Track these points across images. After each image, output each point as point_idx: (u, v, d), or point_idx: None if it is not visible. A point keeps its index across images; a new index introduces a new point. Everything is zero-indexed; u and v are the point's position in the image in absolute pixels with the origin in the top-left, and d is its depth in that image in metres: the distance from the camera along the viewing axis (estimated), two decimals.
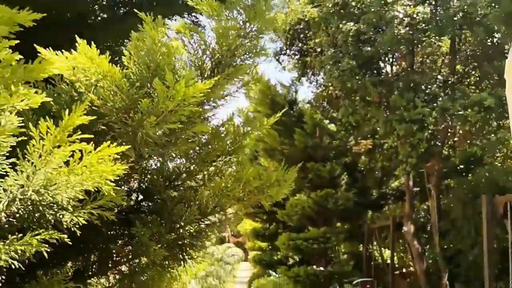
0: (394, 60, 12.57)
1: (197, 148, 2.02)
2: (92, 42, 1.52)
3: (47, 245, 1.26)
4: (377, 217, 16.94)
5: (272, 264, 17.80)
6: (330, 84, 11.72)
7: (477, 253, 10.01)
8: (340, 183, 11.71)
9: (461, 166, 11.73)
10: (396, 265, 16.41)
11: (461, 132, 11.71)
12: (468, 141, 11.98)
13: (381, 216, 16.62)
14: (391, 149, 13.79)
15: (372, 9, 10.17)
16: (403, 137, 10.13)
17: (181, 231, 1.94)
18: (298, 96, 12.63)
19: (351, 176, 12.67)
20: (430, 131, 9.52)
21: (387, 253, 18.68)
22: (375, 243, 18.49)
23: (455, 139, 11.51)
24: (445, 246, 11.55)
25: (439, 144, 11.04)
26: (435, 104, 10.07)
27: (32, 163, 1.30)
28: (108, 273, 2.00)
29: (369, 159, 14.27)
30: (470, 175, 11.34)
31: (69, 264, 1.77)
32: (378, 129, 12.11)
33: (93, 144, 1.33)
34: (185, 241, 1.99)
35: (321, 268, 10.01)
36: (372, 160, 16.10)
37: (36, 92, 1.23)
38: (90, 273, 1.91)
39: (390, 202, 17.49)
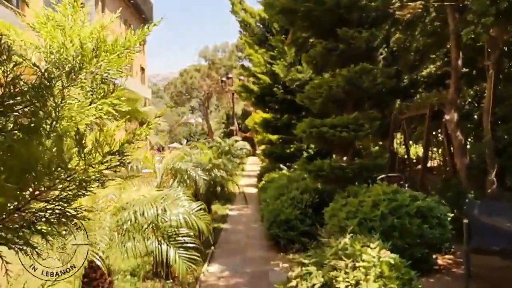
0: None
1: None
2: None
3: None
4: (406, 106, 14.77)
5: (284, 157, 16.26)
6: None
7: None
8: (378, 58, 9.24)
9: None
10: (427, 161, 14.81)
11: None
12: None
13: (411, 105, 14.43)
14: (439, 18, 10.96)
15: None
16: None
17: None
18: None
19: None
20: None
21: (416, 148, 17.00)
22: (399, 136, 16.67)
23: None
24: (497, 136, 9.56)
25: None
26: None
27: None
28: None
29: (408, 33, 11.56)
30: None
31: None
32: None
33: None
34: None
35: (353, 160, 8.08)
36: (410, 35, 13.33)
37: None
38: None
39: (421, 89, 15.16)
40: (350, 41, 8.17)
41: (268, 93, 16.42)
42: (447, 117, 10.99)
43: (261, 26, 18.82)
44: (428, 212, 7.08)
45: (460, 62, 10.90)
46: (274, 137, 17.91)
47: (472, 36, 8.50)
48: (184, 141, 58.98)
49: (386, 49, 11.38)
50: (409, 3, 9.24)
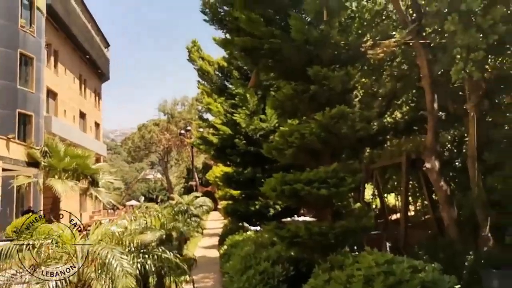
0: None
1: None
2: None
3: None
4: (378, 155, 13.78)
5: (249, 215, 14.56)
6: None
7: None
8: (353, 101, 8.14)
9: None
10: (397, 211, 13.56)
11: None
12: None
13: (384, 153, 13.46)
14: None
15: None
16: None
17: None
18: None
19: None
20: None
21: (388, 200, 15.86)
22: (369, 185, 15.54)
23: None
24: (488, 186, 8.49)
25: None
26: None
27: None
28: None
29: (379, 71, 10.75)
30: None
31: None
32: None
33: None
34: None
35: (334, 222, 6.60)
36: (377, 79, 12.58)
37: None
38: None
39: (389, 136, 14.29)
40: (323, 82, 6.97)
41: (229, 145, 14.99)
42: (427, 165, 9.91)
43: (220, 74, 17.81)
44: (434, 287, 5.60)
45: (435, 105, 10.08)
46: (236, 193, 16.26)
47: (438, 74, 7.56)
48: (142, 198, 55.90)
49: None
50: (382, 41, 8.37)
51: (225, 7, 9.12)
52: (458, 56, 6.66)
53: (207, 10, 9.78)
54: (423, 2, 10.68)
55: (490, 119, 9.21)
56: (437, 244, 9.00)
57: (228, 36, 9.16)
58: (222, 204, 24.34)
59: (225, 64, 17.71)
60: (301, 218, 13.85)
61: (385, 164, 12.98)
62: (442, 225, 9.97)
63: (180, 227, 11.23)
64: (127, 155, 70.57)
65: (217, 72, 17.98)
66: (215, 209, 37.30)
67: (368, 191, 15.09)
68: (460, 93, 11.32)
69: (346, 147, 8.55)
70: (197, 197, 21.69)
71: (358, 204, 7.81)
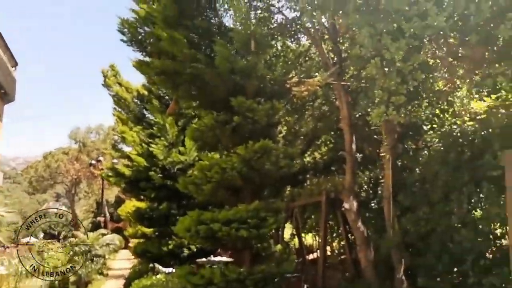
0: None
1: None
2: None
3: None
4: (298, 193, 13.67)
5: (161, 257, 13.32)
6: None
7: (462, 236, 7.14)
8: (277, 137, 7.84)
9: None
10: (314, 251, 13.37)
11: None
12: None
13: (303, 192, 13.37)
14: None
15: None
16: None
17: None
18: None
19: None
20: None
21: (307, 238, 15.69)
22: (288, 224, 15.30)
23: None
24: (404, 229, 8.63)
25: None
26: None
27: None
28: None
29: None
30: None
31: None
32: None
33: None
34: None
35: (253, 266, 6.01)
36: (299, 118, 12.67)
37: None
38: None
39: (309, 175, 14.36)
40: (246, 114, 6.58)
41: (144, 178, 13.82)
42: (346, 205, 9.91)
43: (138, 102, 16.75)
44: None
45: (354, 146, 10.28)
46: (149, 231, 14.93)
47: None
48: (42, 235, 49.93)
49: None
50: (306, 80, 8.33)
51: (146, 28, 8.50)
52: (378, 100, 6.76)
53: (125, 29, 9.03)
54: (343, 48, 11.17)
55: (403, 162, 9.53)
56: (354, 286, 8.83)
57: (148, 59, 8.49)
58: (133, 242, 22.42)
59: (145, 92, 16.79)
60: (218, 258, 13.03)
61: (305, 203, 12.86)
62: (359, 267, 9.90)
63: (77, 270, 9.73)
64: (28, 185, 63.38)
65: (135, 100, 16.91)
66: (126, 247, 34.53)
67: (288, 231, 14.83)
68: (375, 136, 11.85)
69: (268, 185, 8.16)
70: (104, 234, 19.71)
71: (278, 246, 7.35)
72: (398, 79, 6.31)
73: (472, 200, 6.94)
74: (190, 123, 13.79)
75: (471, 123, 7.43)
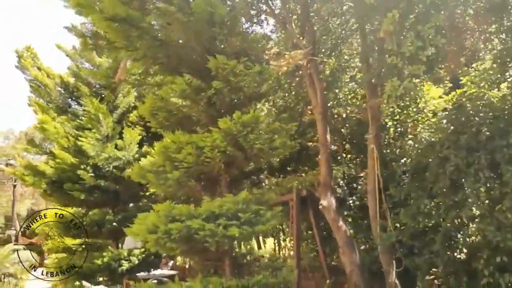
0: None
1: None
2: None
3: None
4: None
5: (93, 272, 10.94)
6: None
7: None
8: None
9: None
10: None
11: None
12: None
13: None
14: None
15: None
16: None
17: None
18: None
19: None
20: None
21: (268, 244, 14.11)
22: None
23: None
24: (396, 226, 7.54)
25: None
26: None
27: None
28: None
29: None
30: None
31: None
32: None
33: None
34: None
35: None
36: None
37: None
38: None
39: (267, 173, 12.89)
40: (229, 79, 4.94)
41: (70, 178, 11.34)
42: (324, 203, 8.61)
43: (62, 91, 14.08)
44: None
45: (328, 136, 9.06)
46: (76, 242, 12.38)
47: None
48: None
49: None
50: (287, 53, 6.89)
51: None
52: (388, 69, 5.57)
53: None
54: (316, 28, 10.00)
55: (388, 151, 8.53)
56: None
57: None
58: (52, 258, 19.24)
59: (70, 79, 14.21)
60: (158, 272, 10.99)
61: (272, 204, 11.38)
62: (337, 272, 8.66)
63: None
64: None
65: (59, 88, 14.22)
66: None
67: None
68: (342, 130, 10.90)
69: (245, 177, 6.54)
70: (15, 250, 16.56)
71: (263, 251, 5.72)
72: (419, 42, 5.17)
73: (491, 187, 6.01)
74: (131, 110, 11.72)
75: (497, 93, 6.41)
